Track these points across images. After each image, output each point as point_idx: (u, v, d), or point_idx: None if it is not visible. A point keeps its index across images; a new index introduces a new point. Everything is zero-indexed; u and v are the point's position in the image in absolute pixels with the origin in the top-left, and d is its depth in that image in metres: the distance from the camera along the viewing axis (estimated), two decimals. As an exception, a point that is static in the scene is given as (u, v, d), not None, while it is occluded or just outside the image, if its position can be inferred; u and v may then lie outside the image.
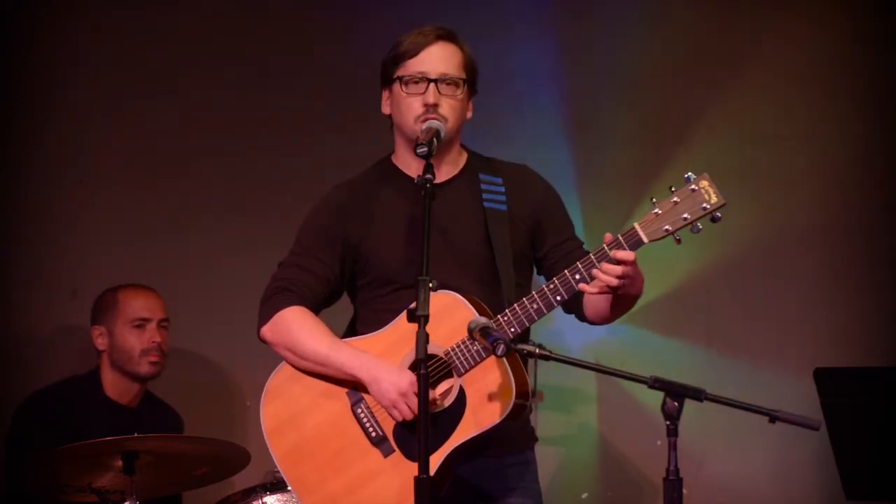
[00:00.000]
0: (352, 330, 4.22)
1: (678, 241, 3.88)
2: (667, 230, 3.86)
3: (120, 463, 4.67)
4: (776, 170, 6.37)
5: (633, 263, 3.87)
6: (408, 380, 3.95)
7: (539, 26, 6.43)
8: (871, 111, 6.33)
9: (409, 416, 3.96)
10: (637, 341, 6.16)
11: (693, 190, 3.84)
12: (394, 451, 4.02)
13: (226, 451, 4.90)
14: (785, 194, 6.37)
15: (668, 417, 3.60)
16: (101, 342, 5.64)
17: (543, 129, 6.41)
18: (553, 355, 3.79)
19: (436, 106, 4.05)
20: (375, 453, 4.04)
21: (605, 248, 3.89)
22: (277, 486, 5.07)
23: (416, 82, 4.07)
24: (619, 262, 3.85)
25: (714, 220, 3.86)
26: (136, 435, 4.77)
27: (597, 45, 6.45)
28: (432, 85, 4.06)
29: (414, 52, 4.08)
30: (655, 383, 3.64)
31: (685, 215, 3.85)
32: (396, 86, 4.10)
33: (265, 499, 5.09)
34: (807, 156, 6.37)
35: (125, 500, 4.70)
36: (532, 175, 4.25)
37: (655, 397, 3.65)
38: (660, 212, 3.87)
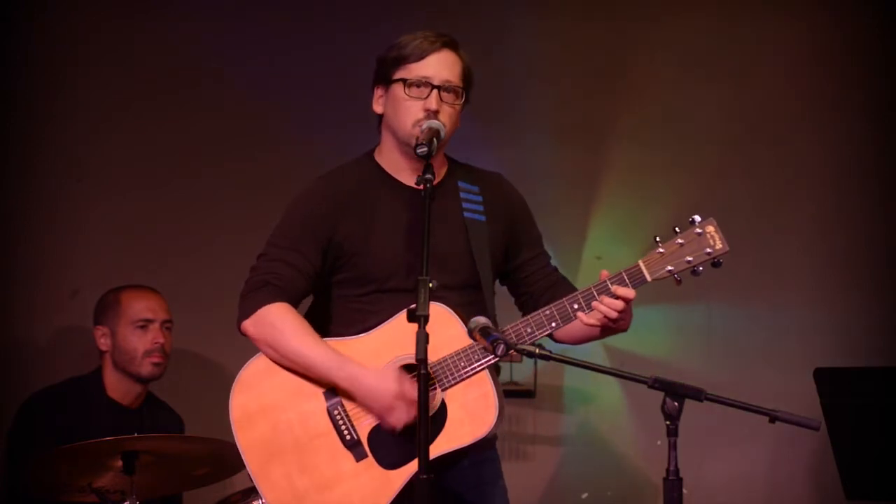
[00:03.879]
0: (316, 322, 4.12)
1: (679, 283, 3.94)
2: (669, 270, 3.93)
3: (120, 463, 4.67)
4: (776, 169, 6.38)
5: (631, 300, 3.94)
6: (395, 397, 3.95)
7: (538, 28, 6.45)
8: (870, 111, 6.34)
9: (400, 425, 3.96)
10: (636, 342, 6.15)
11: (698, 234, 3.91)
12: (367, 456, 4.00)
13: (226, 451, 4.88)
14: (785, 193, 6.37)
15: (668, 417, 3.61)
16: (103, 343, 5.62)
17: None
18: (553, 355, 3.79)
19: (436, 112, 4.04)
20: (347, 456, 4.01)
21: (608, 283, 3.94)
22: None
23: (419, 86, 4.06)
24: (619, 297, 3.92)
25: (715, 265, 3.91)
26: (136, 435, 4.77)
27: (598, 45, 6.46)
28: (435, 91, 4.06)
29: (419, 57, 4.07)
30: (655, 383, 3.65)
31: (688, 258, 3.93)
32: (397, 87, 4.08)
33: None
34: (806, 155, 6.38)
35: (125, 500, 4.70)
36: (507, 185, 4.28)
37: (655, 397, 3.66)
38: (664, 251, 3.93)
